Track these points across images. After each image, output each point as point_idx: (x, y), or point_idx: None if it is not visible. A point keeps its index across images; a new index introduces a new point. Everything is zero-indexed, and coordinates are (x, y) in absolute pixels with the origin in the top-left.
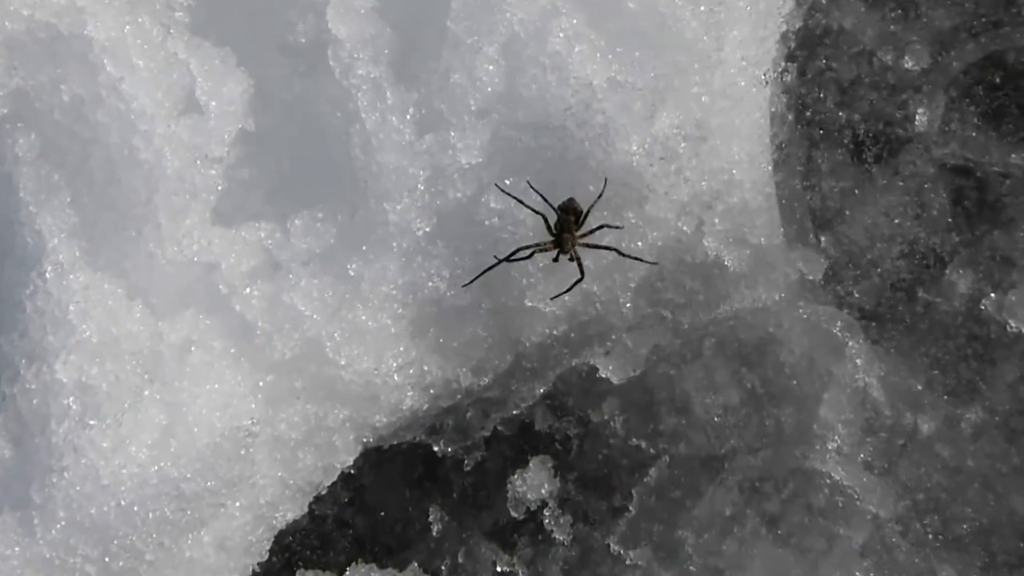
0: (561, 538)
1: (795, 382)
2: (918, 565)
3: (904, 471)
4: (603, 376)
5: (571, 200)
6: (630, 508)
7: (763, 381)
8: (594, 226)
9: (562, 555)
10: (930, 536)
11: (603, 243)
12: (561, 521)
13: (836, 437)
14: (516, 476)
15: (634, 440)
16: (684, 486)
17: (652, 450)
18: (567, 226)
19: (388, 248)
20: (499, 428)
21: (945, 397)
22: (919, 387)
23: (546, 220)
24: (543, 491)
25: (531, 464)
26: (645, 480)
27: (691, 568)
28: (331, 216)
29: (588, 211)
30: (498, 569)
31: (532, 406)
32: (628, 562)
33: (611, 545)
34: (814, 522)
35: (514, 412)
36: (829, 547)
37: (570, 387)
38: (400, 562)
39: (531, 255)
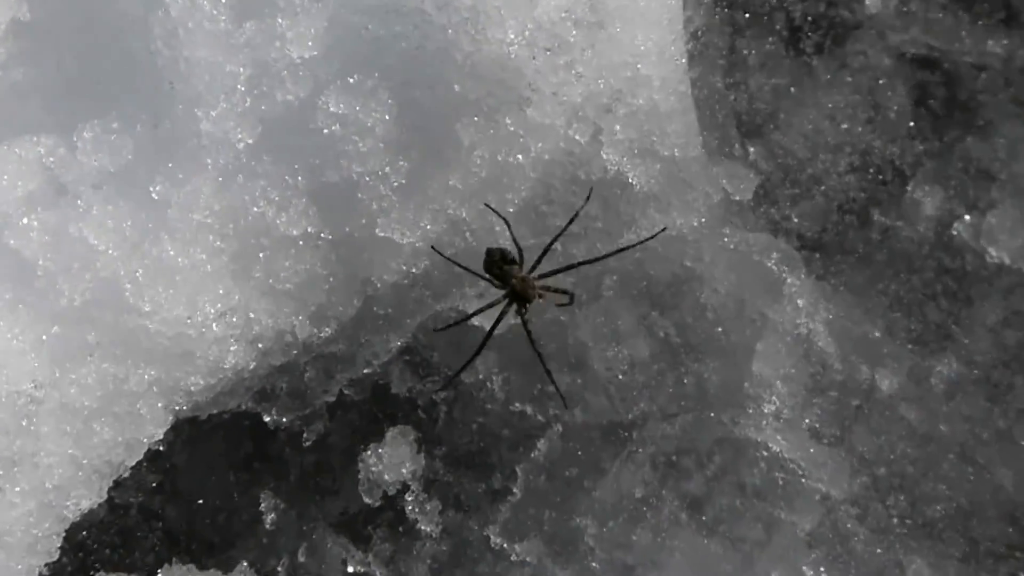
0: (428, 529)
1: (720, 329)
2: (880, 557)
3: (861, 440)
4: (476, 324)
5: (492, 250)
6: (514, 490)
7: (680, 329)
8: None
9: (429, 550)
10: (895, 520)
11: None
12: (427, 508)
13: (774, 398)
14: (369, 453)
15: (517, 405)
16: (582, 462)
17: (540, 417)
18: (505, 269)
19: (201, 166)
20: (346, 392)
21: (910, 346)
22: (877, 334)
23: (485, 278)
24: (404, 471)
25: (388, 437)
26: (532, 455)
27: (593, 564)
28: (128, 126)
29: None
30: (349, 569)
31: (387, 364)
32: (513, 557)
33: (491, 537)
34: (747, 505)
35: (364, 372)
36: (767, 536)
37: (435, 339)
38: (224, 562)
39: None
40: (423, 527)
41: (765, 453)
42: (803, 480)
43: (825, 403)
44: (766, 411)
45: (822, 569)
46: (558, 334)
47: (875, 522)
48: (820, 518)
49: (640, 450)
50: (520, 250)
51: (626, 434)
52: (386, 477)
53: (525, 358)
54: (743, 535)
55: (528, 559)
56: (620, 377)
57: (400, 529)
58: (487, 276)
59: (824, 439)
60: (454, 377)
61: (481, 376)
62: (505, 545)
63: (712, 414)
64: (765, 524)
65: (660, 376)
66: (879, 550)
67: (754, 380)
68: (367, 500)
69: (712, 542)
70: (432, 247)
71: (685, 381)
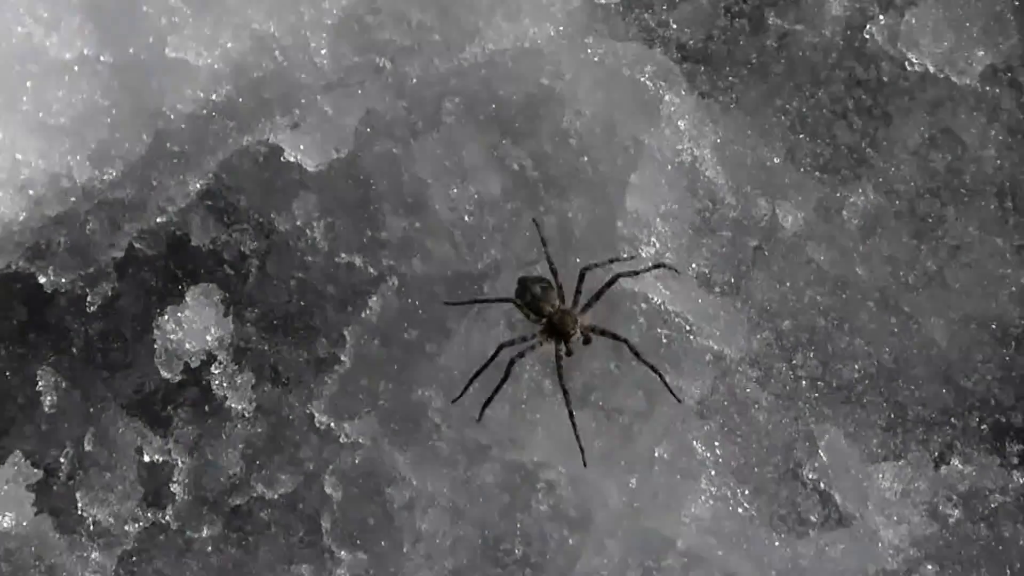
0: (239, 407)
1: (586, 159)
2: (786, 428)
3: (760, 288)
4: (291, 160)
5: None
6: (342, 359)
7: (537, 160)
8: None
9: (241, 433)
10: (803, 383)
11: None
12: (238, 382)
13: (653, 240)
14: (166, 318)
15: (343, 256)
16: (422, 323)
17: (372, 270)
18: (545, 302)
19: None
20: (137, 246)
21: (817, 174)
22: (776, 160)
23: (517, 304)
24: (208, 338)
25: (188, 299)
26: (363, 316)
27: (439, 444)
28: None
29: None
30: (146, 458)
31: (185, 211)
32: (343, 439)
33: (315, 416)
34: (625, 369)
35: (158, 221)
36: (649, 405)
37: (242, 180)
38: None
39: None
40: (233, 405)
41: (644, 306)
42: (691, 338)
43: (716, 245)
44: (644, 256)
45: (716, 443)
46: (390, 169)
47: (780, 386)
48: (712, 383)
49: (492, 306)
50: (556, 274)
51: (475, 287)
52: (187, 346)
53: (351, 199)
54: (620, 405)
55: (360, 440)
56: (466, 220)
57: (206, 408)
58: (519, 304)
59: (716, 288)
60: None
61: (299, 222)
62: (332, 424)
63: (578, 260)
64: (647, 391)
65: (515, 217)
66: (785, 420)
67: (629, 219)
68: (165, 374)
69: (582, 414)
70: (446, 302)
71: (545, 222)
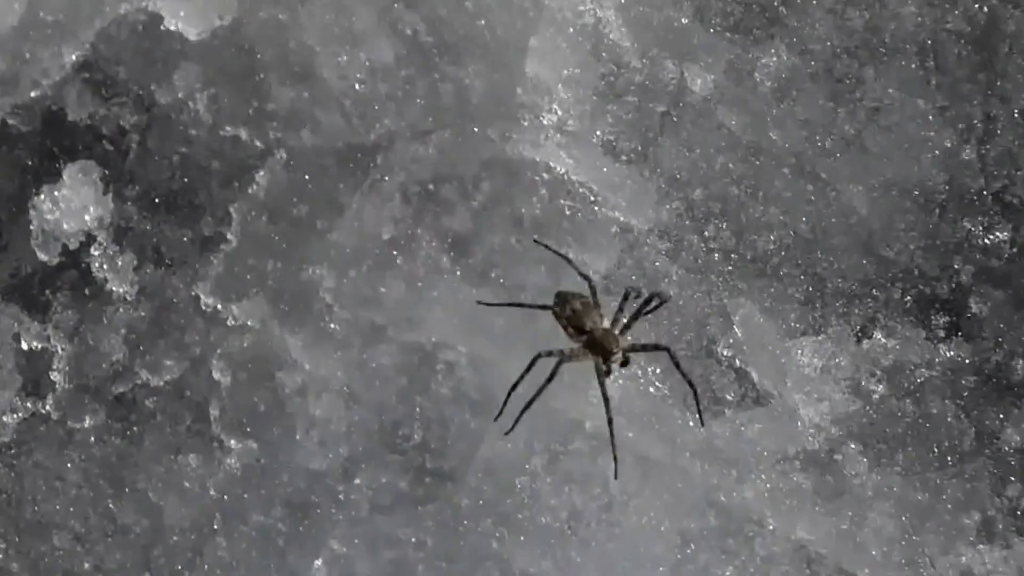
0: (121, 290)
1: (482, 23)
2: (698, 302)
3: (669, 155)
4: (172, 28)
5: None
6: (228, 237)
7: (431, 25)
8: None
9: (124, 317)
10: (716, 256)
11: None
12: (119, 264)
13: (555, 107)
14: (42, 197)
15: (228, 129)
16: (313, 198)
17: (258, 143)
18: (587, 319)
19: None
20: (10, 123)
21: (728, 35)
22: (684, 20)
23: (556, 314)
24: (87, 218)
25: (65, 177)
26: (250, 192)
27: (332, 326)
28: None
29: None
30: (23, 345)
31: (61, 84)
32: (230, 321)
33: (201, 297)
34: (526, 243)
35: (32, 95)
36: (551, 279)
37: (120, 50)
38: None
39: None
40: (115, 288)
41: (546, 176)
42: (596, 209)
43: (621, 110)
44: (546, 123)
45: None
46: (276, 36)
47: (691, 259)
48: (619, 255)
49: (387, 179)
50: (595, 292)
51: (368, 160)
52: (65, 227)
53: (236, 69)
54: (521, 281)
55: (249, 322)
56: (358, 88)
57: (86, 292)
58: (559, 316)
59: (622, 156)
60: (513, 426)
61: (181, 95)
62: (219, 306)
63: (476, 129)
64: (549, 266)
65: (409, 85)
66: (697, 294)
67: (529, 85)
68: (42, 257)
69: (483, 291)
70: (479, 301)
71: (440, 90)
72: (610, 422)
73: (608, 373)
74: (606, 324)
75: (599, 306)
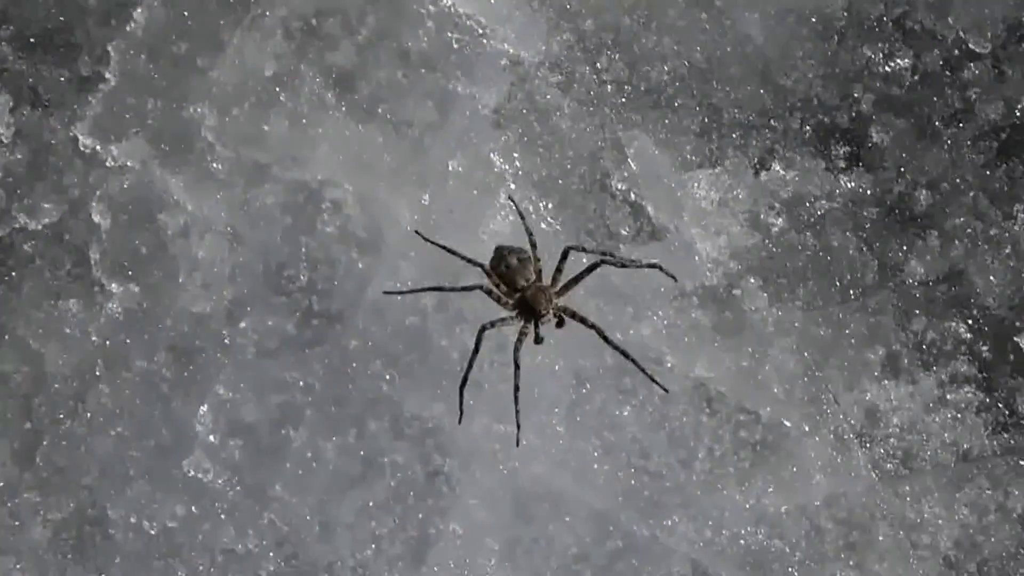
0: None
1: None
2: (591, 136)
3: None
4: None
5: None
6: (106, 76)
7: None
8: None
9: (2, 160)
10: (609, 88)
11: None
12: None
13: None
14: None
15: None
16: (192, 34)
17: None
18: (520, 276)
19: None
20: None
21: None
22: None
23: (488, 273)
24: None
25: None
26: (128, 30)
27: (215, 166)
28: None
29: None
30: None
31: None
32: (109, 162)
33: (79, 138)
34: (414, 77)
35: None
36: (441, 116)
37: None
38: None
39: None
40: None
41: (432, 8)
42: (484, 41)
43: None
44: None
45: (515, 155)
46: None
47: (583, 91)
48: (509, 89)
49: (267, 14)
50: (535, 247)
51: None
52: None
53: None
54: (409, 117)
55: (129, 163)
56: None
57: None
58: (490, 273)
59: None
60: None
61: None
62: (98, 147)
63: None
64: (437, 101)
65: None
66: (589, 127)
67: None
68: None
69: (369, 127)
70: (416, 231)
71: None
72: (516, 390)
73: (539, 340)
74: (543, 283)
75: (539, 260)
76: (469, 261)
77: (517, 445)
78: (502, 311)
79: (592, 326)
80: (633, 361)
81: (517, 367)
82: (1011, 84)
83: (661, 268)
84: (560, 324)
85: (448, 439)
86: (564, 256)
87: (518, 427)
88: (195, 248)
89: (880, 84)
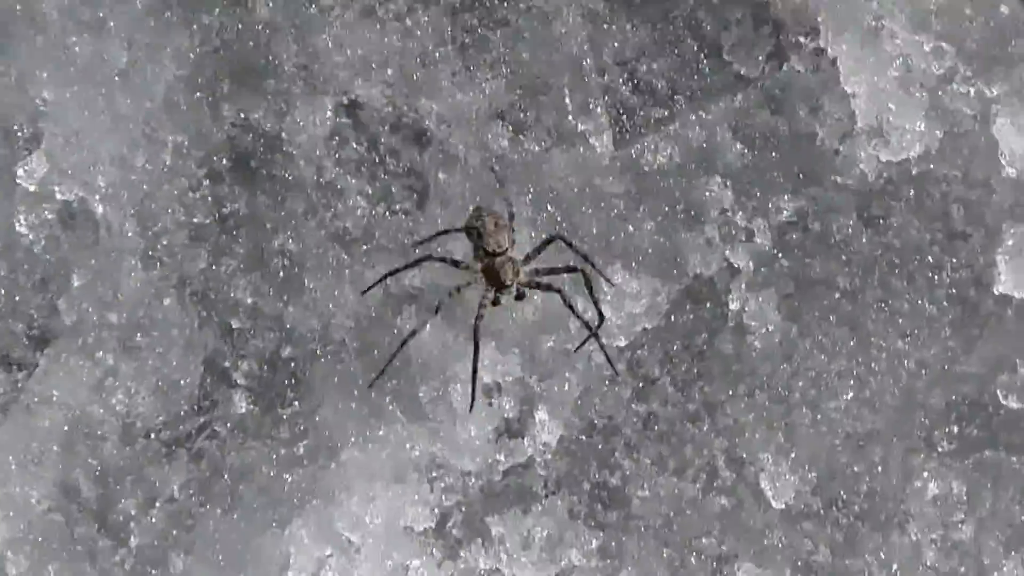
0: None
1: None
2: None
3: None
4: None
5: (483, 209)
6: None
7: None
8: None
9: None
10: None
11: (547, 280)
12: None
13: None
14: None
15: None
16: None
17: None
18: (492, 239)
19: None
20: None
21: None
22: None
23: (468, 232)
24: None
25: None
26: None
27: None
28: None
29: None
30: None
31: None
32: None
33: None
34: None
35: None
36: None
37: None
38: None
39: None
40: None
41: None
42: None
43: None
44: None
45: None
46: None
47: None
48: None
49: None
50: (512, 218)
51: None
52: None
53: None
54: None
55: None
56: None
57: None
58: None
59: None
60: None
61: None
62: None
63: None
64: None
65: None
66: None
67: None
68: None
69: None
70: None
71: None
72: (474, 372)
73: (497, 303)
74: (514, 254)
75: (513, 231)
76: (456, 231)
77: (470, 410)
78: (461, 276)
79: (558, 291)
80: (591, 329)
81: (477, 347)
82: None
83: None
84: (520, 297)
85: None
86: (548, 242)
87: (472, 398)
88: None
89: None
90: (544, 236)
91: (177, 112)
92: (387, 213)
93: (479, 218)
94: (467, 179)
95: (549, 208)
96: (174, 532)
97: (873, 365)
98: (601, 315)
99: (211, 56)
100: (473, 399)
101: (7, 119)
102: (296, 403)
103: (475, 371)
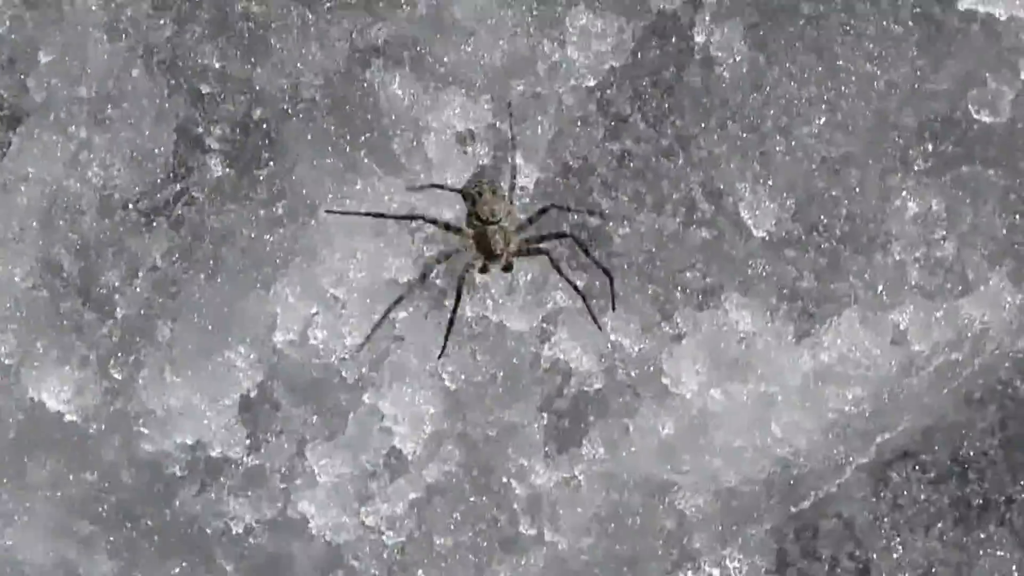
0: None
1: None
2: None
3: None
4: None
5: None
6: None
7: None
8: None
9: None
10: None
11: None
12: None
13: None
14: None
15: None
16: None
17: None
18: (486, 207)
19: None
20: None
21: None
22: None
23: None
24: None
25: None
26: None
27: None
28: None
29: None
30: None
31: None
32: None
33: None
34: None
35: None
36: None
37: None
38: None
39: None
40: None
41: None
42: None
43: None
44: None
45: None
46: None
47: None
48: None
49: None
50: (513, 189)
51: None
52: None
53: None
54: None
55: None
56: None
57: None
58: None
59: None
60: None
61: None
62: None
63: None
64: None
65: None
66: None
67: None
68: None
69: None
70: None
71: None
72: (451, 323)
73: (484, 270)
74: (507, 225)
75: (512, 204)
76: (452, 189)
77: (439, 357)
78: (451, 240)
79: (546, 252)
80: (581, 296)
81: (458, 299)
82: None
83: (612, 282)
84: (508, 268)
85: None
86: (542, 212)
87: (444, 347)
88: None
89: None
90: (540, 207)
91: None
92: None
93: (478, 184)
94: None
95: None
96: (159, 300)
97: (843, 89)
98: (607, 271)
99: None
100: (445, 347)
101: None
102: (271, 163)
103: (451, 322)
